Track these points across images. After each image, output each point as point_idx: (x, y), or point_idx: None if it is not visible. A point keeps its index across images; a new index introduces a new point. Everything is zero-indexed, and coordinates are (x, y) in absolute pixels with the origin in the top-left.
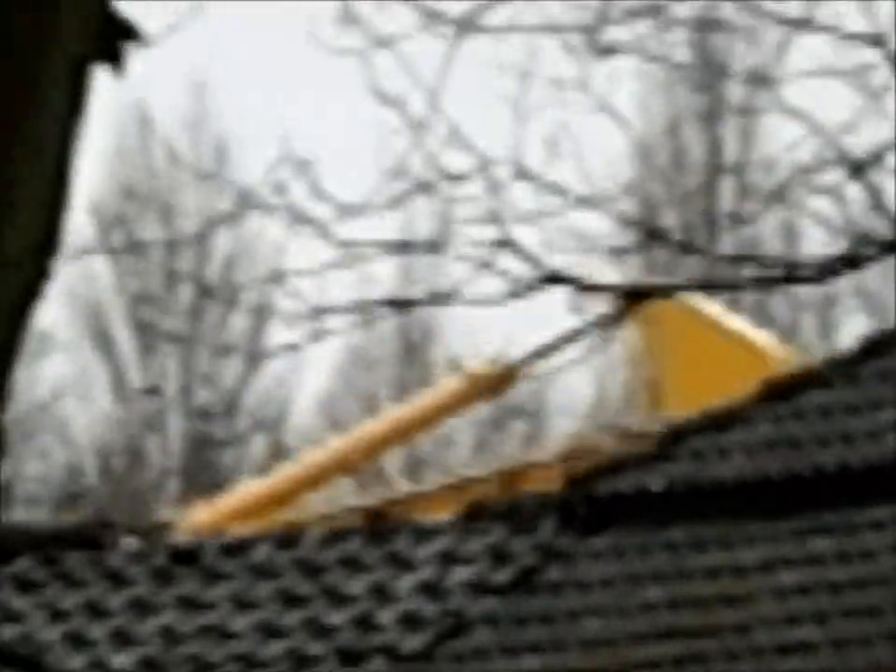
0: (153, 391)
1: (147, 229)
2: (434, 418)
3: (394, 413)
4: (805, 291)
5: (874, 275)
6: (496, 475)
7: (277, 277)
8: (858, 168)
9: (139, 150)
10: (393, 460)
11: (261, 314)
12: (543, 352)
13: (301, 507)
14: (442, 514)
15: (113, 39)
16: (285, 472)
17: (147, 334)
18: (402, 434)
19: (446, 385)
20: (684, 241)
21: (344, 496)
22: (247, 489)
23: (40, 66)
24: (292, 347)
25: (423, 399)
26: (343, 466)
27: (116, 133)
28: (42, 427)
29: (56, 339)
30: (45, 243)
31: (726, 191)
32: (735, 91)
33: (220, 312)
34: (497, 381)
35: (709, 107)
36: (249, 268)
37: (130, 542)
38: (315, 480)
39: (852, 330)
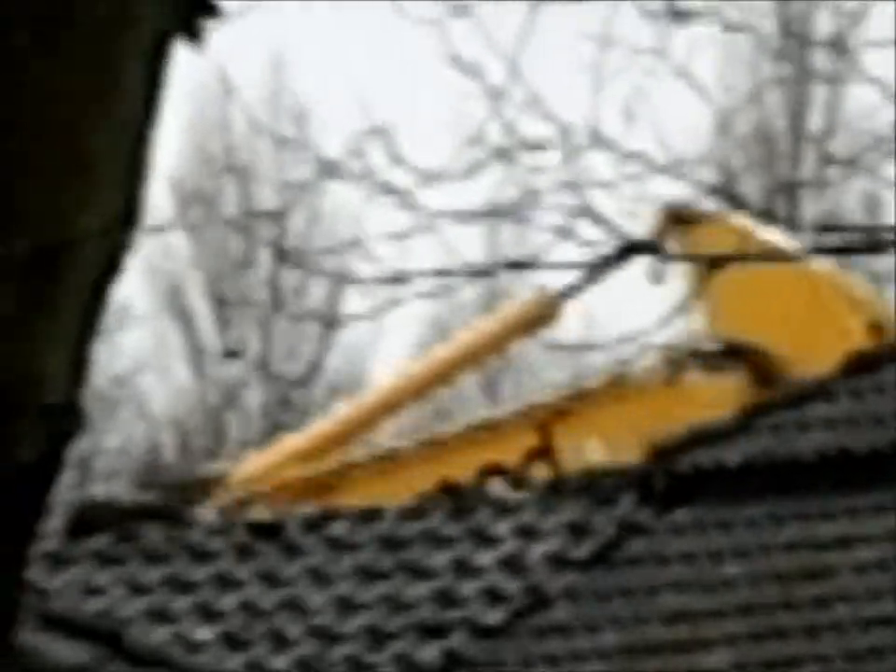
0: (233, 354)
1: (226, 199)
2: (489, 349)
3: (461, 339)
4: (884, 265)
5: None
6: (527, 415)
7: (357, 243)
8: None
9: (219, 122)
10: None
11: (340, 281)
12: (587, 280)
13: (378, 435)
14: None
15: (193, 13)
16: (337, 416)
17: (224, 306)
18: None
19: (493, 319)
20: (765, 208)
21: (422, 422)
22: (297, 438)
23: (121, 41)
24: (371, 314)
25: (482, 327)
26: (423, 389)
27: (195, 105)
28: (121, 400)
29: (135, 312)
30: (125, 216)
31: (808, 160)
32: (818, 59)
33: (299, 280)
34: (541, 312)
35: (792, 75)
36: (328, 235)
37: (210, 515)
38: (368, 420)
39: None
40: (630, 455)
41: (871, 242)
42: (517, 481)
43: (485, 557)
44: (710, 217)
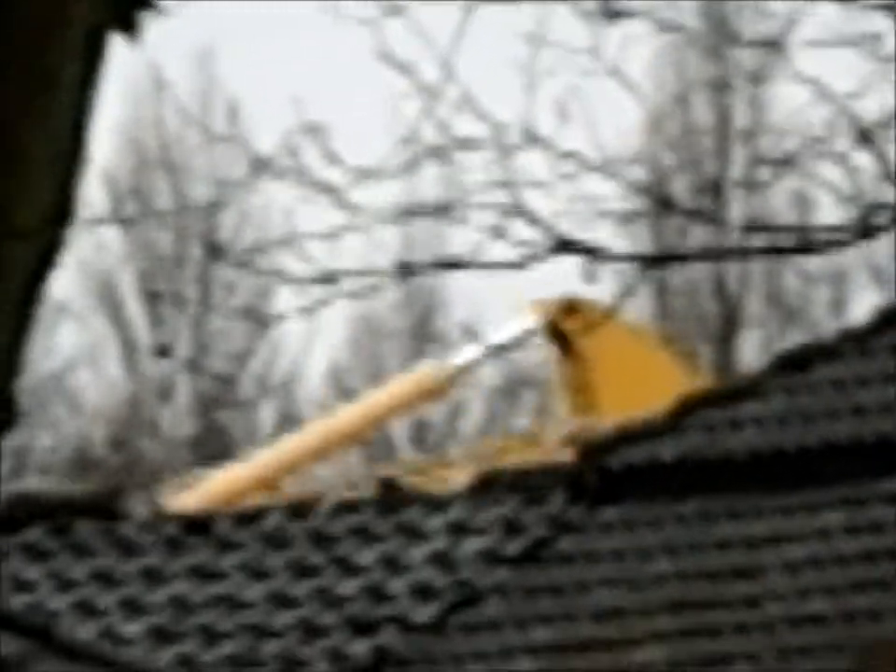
0: (164, 351)
1: (159, 195)
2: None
3: (398, 385)
4: (815, 265)
5: (884, 250)
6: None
7: (289, 241)
8: (866, 135)
9: (152, 117)
10: (401, 430)
11: (271, 278)
12: (487, 356)
13: (309, 478)
14: (451, 485)
15: (128, 7)
16: (293, 442)
17: (157, 303)
18: (406, 406)
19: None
20: (695, 208)
21: (353, 466)
22: (257, 459)
23: (55, 36)
24: (302, 311)
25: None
26: (351, 436)
27: (128, 100)
28: (54, 397)
29: (68, 309)
30: (59, 213)
31: (737, 159)
32: (745, 58)
33: (230, 276)
34: (443, 384)
35: (719, 74)
36: (258, 231)
37: (141, 511)
38: (324, 450)
39: (863, 305)
40: None
41: (801, 242)
42: None
43: (416, 553)
44: (604, 315)
